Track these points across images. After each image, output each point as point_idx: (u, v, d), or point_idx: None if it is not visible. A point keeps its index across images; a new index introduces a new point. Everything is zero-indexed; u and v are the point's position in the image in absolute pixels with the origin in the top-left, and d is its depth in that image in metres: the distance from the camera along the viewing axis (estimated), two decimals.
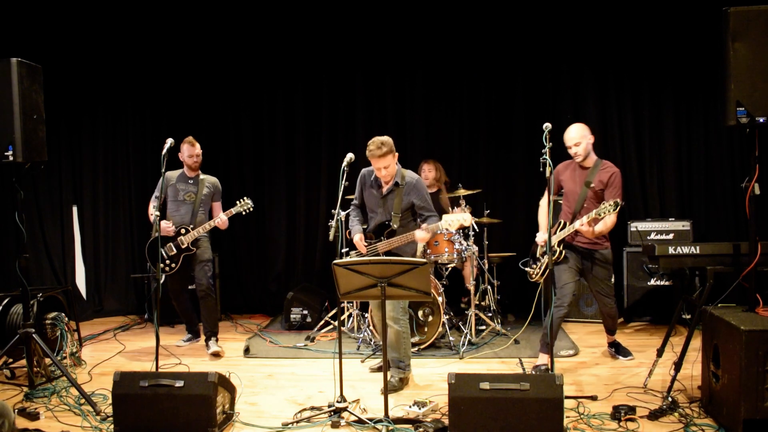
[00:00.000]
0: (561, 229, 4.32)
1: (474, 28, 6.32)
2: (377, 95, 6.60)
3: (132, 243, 6.86)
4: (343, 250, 5.23)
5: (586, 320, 5.86)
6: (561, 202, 4.60)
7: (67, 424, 3.58)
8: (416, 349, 4.87)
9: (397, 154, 4.08)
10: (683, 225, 5.73)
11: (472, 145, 6.53)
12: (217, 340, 5.17)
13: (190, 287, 5.43)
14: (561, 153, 4.37)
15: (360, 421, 3.43)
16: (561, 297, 4.26)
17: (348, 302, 5.66)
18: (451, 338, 5.11)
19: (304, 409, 3.68)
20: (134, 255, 6.85)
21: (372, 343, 5.11)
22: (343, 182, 3.85)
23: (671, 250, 3.84)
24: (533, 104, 6.34)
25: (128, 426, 3.32)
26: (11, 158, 3.84)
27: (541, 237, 4.48)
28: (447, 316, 5.25)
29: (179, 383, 3.31)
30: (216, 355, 5.01)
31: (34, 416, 3.65)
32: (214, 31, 6.60)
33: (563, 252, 4.32)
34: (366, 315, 5.28)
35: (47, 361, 4.31)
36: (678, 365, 3.69)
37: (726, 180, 6.05)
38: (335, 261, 3.42)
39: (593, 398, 3.76)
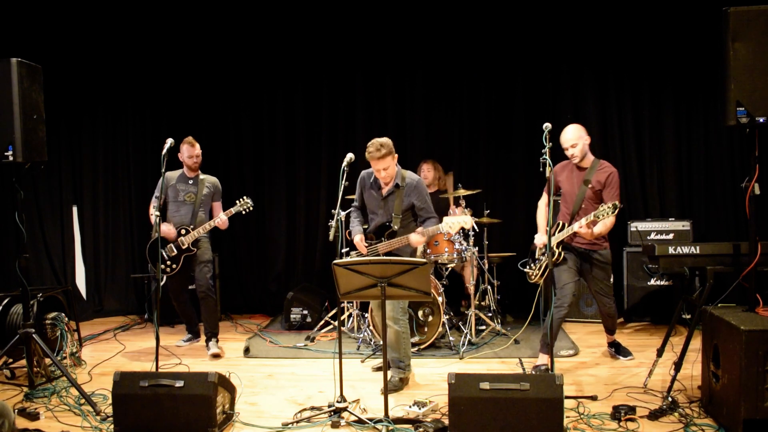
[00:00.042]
0: (559, 231, 4.31)
1: (474, 28, 6.32)
2: (377, 95, 6.60)
3: (132, 243, 6.86)
4: (343, 250, 5.23)
5: (586, 320, 5.86)
6: (559, 202, 4.60)
7: (67, 424, 3.58)
8: (416, 349, 4.87)
9: (396, 155, 4.08)
10: (683, 225, 5.73)
11: (472, 145, 6.53)
12: (217, 341, 5.17)
13: (190, 287, 5.43)
14: (561, 153, 4.38)
15: (360, 421, 3.43)
16: (561, 297, 4.25)
17: (348, 302, 5.66)
18: (451, 338, 5.11)
19: (304, 409, 3.68)
20: (134, 255, 6.85)
21: (372, 343, 5.11)
22: (343, 182, 3.85)
23: (671, 250, 3.84)
24: (533, 104, 6.34)
25: (128, 426, 3.32)
26: (11, 158, 3.84)
27: (539, 239, 4.48)
28: (447, 316, 5.25)
29: (179, 383, 3.31)
30: (216, 356, 5.01)
31: (34, 416, 3.65)
32: (214, 31, 6.60)
33: (562, 253, 4.31)
34: (366, 315, 5.28)
35: (47, 361, 4.31)
36: (678, 365, 3.69)
37: (726, 180, 6.05)
38: (335, 261, 3.42)
39: (593, 398, 3.76)
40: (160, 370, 3.77)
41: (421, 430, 3.29)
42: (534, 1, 6.19)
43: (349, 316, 5.77)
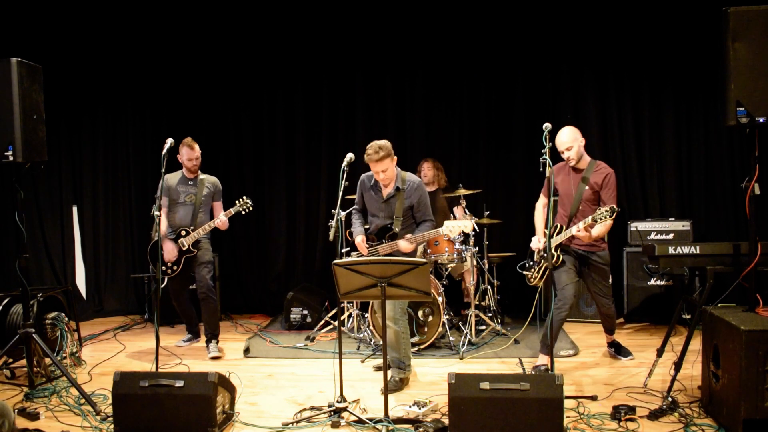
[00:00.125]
0: (557, 233, 4.29)
1: (474, 28, 6.32)
2: (377, 95, 6.60)
3: (132, 243, 6.87)
4: (344, 250, 5.23)
5: (586, 320, 5.86)
6: (557, 204, 4.58)
7: (67, 424, 3.58)
8: (416, 349, 4.87)
9: (395, 158, 4.08)
10: (683, 225, 5.73)
11: (472, 145, 6.53)
12: (217, 342, 5.16)
13: (190, 287, 5.43)
14: (558, 154, 4.37)
15: (360, 421, 3.43)
16: (562, 299, 4.24)
17: (348, 302, 5.66)
18: (451, 338, 5.11)
19: (304, 409, 3.68)
20: (134, 255, 6.86)
21: (372, 343, 5.11)
22: (343, 182, 3.85)
23: (671, 250, 3.83)
24: (533, 104, 6.34)
25: (128, 426, 3.32)
26: (11, 158, 3.84)
27: (536, 242, 4.47)
28: (447, 316, 5.25)
29: (179, 383, 3.30)
30: (216, 359, 5.00)
31: (34, 416, 3.65)
32: (214, 31, 6.60)
33: (560, 257, 4.30)
34: (366, 315, 5.28)
35: (47, 361, 4.31)
36: (678, 365, 3.69)
37: (726, 180, 6.05)
38: (335, 261, 3.42)
39: (593, 398, 3.76)
40: (160, 370, 3.78)
41: (421, 430, 3.29)
42: (534, 1, 6.19)
43: (349, 316, 5.77)
